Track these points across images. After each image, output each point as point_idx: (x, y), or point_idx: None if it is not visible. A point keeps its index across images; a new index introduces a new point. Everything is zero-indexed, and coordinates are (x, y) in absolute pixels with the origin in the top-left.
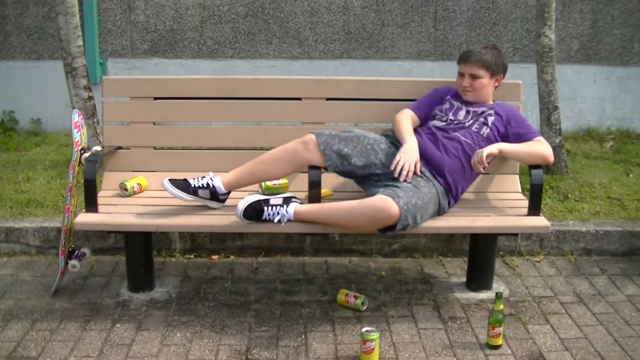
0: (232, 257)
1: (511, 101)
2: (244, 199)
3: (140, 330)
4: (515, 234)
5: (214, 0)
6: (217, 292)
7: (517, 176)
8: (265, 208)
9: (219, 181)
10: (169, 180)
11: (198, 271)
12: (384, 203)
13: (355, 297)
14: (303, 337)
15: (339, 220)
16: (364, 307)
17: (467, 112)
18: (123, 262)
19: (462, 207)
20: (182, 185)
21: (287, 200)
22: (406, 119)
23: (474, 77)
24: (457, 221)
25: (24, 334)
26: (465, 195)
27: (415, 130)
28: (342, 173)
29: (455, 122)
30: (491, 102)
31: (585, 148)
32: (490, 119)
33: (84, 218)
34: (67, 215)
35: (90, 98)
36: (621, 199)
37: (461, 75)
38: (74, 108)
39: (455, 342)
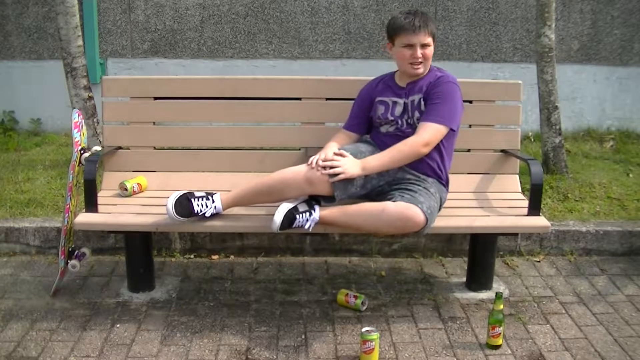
0: (232, 257)
1: (511, 101)
2: (279, 212)
3: (140, 330)
4: (515, 234)
5: (214, 0)
6: (217, 292)
7: (517, 176)
8: (297, 216)
9: (219, 202)
10: (174, 204)
11: (198, 271)
12: (409, 211)
13: (355, 297)
14: (303, 337)
15: (362, 225)
16: (364, 307)
17: (404, 105)
18: (123, 262)
19: (462, 207)
20: (187, 210)
21: (310, 204)
22: (333, 142)
23: (425, 46)
24: (457, 221)
25: (24, 334)
26: (465, 195)
27: (374, 139)
28: (347, 196)
29: (400, 122)
30: (423, 74)
31: (585, 148)
32: (422, 103)
33: (84, 218)
34: (67, 215)
35: (90, 98)
36: (621, 199)
37: (409, 46)
38: (74, 108)
39: (455, 342)
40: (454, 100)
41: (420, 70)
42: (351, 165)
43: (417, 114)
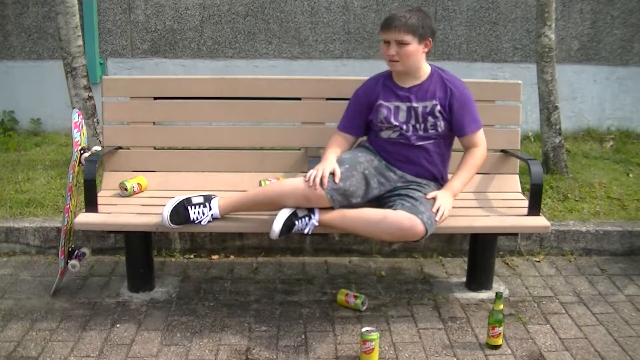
0: (232, 257)
1: (511, 101)
2: (278, 220)
3: (140, 330)
4: (515, 234)
5: (214, 0)
6: (217, 292)
7: (517, 176)
8: (296, 222)
9: (216, 209)
10: (170, 214)
11: (198, 271)
12: (409, 222)
13: (355, 297)
14: (303, 337)
15: (360, 231)
16: (364, 307)
17: (408, 110)
18: (123, 262)
19: (462, 207)
20: (183, 218)
21: (309, 208)
22: (332, 151)
23: (400, 44)
24: (457, 221)
25: (24, 334)
26: (465, 195)
27: (373, 143)
28: (347, 206)
29: (405, 127)
30: (426, 75)
31: (585, 148)
32: (437, 109)
33: (84, 218)
34: (67, 215)
35: (90, 98)
36: (621, 199)
37: (386, 43)
38: (74, 108)
39: (455, 342)
40: (473, 102)
41: (397, 68)
42: (448, 202)
43: (431, 120)
